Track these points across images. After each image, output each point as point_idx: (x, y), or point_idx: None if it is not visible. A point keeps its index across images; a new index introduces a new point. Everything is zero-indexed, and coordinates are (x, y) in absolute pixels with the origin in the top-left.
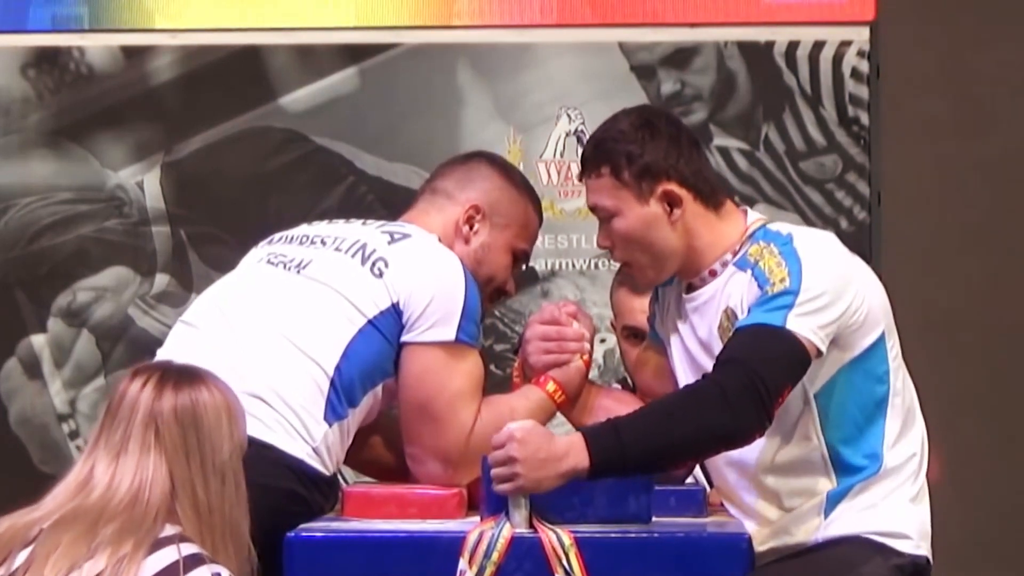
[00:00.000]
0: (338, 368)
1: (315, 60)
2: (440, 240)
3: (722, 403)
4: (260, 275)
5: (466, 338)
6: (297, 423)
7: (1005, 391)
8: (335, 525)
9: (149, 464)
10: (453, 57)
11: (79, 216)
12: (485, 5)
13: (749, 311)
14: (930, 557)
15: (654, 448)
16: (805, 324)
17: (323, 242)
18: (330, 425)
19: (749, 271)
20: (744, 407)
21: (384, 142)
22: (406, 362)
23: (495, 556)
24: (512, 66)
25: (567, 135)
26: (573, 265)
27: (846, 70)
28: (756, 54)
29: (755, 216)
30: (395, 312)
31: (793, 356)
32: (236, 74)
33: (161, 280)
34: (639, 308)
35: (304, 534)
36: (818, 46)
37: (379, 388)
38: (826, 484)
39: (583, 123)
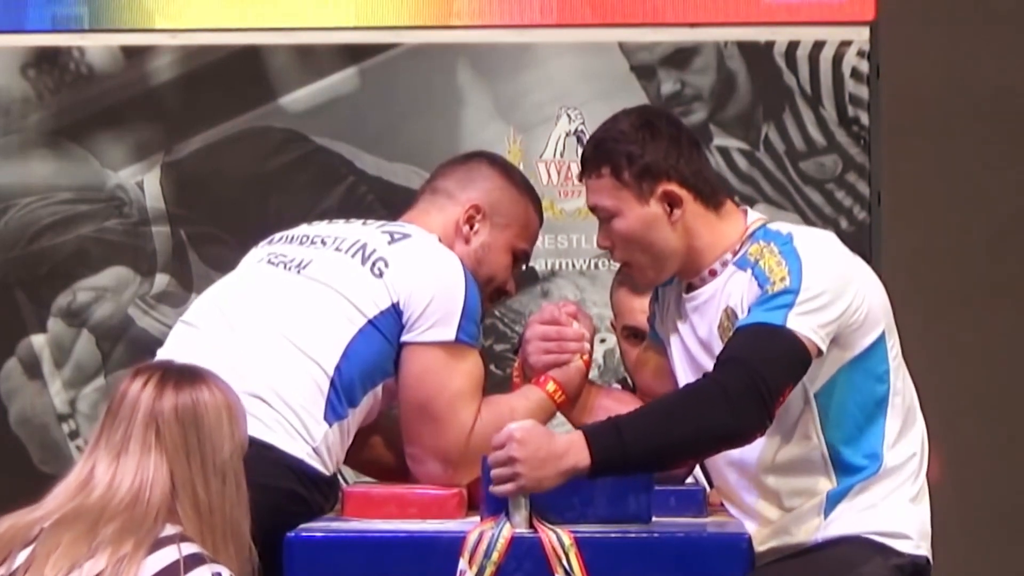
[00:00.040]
0: (338, 368)
1: (315, 60)
2: (440, 240)
3: (723, 402)
4: (260, 275)
5: (466, 338)
6: (297, 423)
7: (1005, 391)
8: (335, 525)
9: (150, 464)
10: (453, 57)
11: (79, 216)
12: (485, 5)
13: (749, 310)
14: (930, 557)
15: (655, 447)
16: (805, 323)
17: (323, 242)
18: (330, 425)
19: (749, 270)
20: (745, 406)
21: (384, 142)
22: (406, 362)
23: (495, 556)
24: (512, 66)
25: (567, 135)
26: (573, 265)
27: (846, 70)
28: (756, 54)
29: (755, 216)
30: (395, 312)
31: (794, 355)
32: (236, 74)
33: (161, 280)
34: (639, 308)
35: (304, 534)
36: (818, 46)
37: (379, 388)
38: (826, 484)
39: (583, 123)
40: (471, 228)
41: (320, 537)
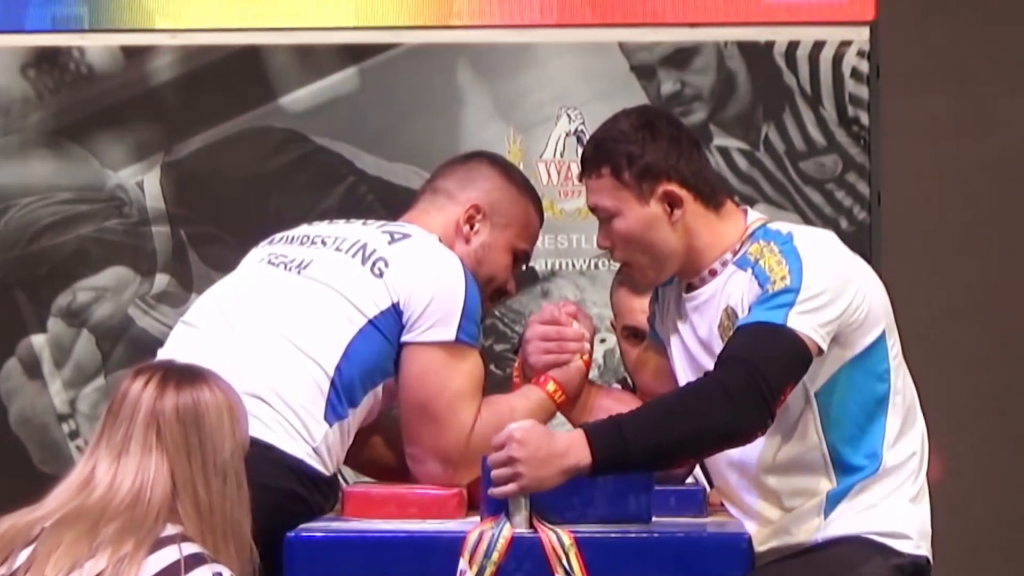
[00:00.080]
0: (338, 368)
1: (315, 60)
2: (440, 240)
3: (724, 401)
4: (261, 275)
5: (466, 338)
6: (297, 423)
7: (1005, 391)
8: (335, 525)
9: (151, 464)
10: (453, 57)
11: (79, 216)
12: (485, 5)
13: (750, 309)
14: (930, 557)
15: (656, 445)
16: (806, 322)
17: (323, 242)
18: (330, 425)
19: (749, 270)
20: (746, 405)
21: (384, 142)
22: (406, 362)
23: (495, 556)
24: (512, 66)
25: (567, 135)
26: (573, 265)
27: (846, 70)
28: (756, 54)
29: (755, 216)
30: (395, 312)
31: (794, 354)
32: (236, 74)
33: (161, 280)
34: (639, 308)
35: (304, 534)
36: (818, 46)
37: (379, 388)
38: (826, 484)
39: (583, 123)
40: (471, 228)
41: (320, 537)
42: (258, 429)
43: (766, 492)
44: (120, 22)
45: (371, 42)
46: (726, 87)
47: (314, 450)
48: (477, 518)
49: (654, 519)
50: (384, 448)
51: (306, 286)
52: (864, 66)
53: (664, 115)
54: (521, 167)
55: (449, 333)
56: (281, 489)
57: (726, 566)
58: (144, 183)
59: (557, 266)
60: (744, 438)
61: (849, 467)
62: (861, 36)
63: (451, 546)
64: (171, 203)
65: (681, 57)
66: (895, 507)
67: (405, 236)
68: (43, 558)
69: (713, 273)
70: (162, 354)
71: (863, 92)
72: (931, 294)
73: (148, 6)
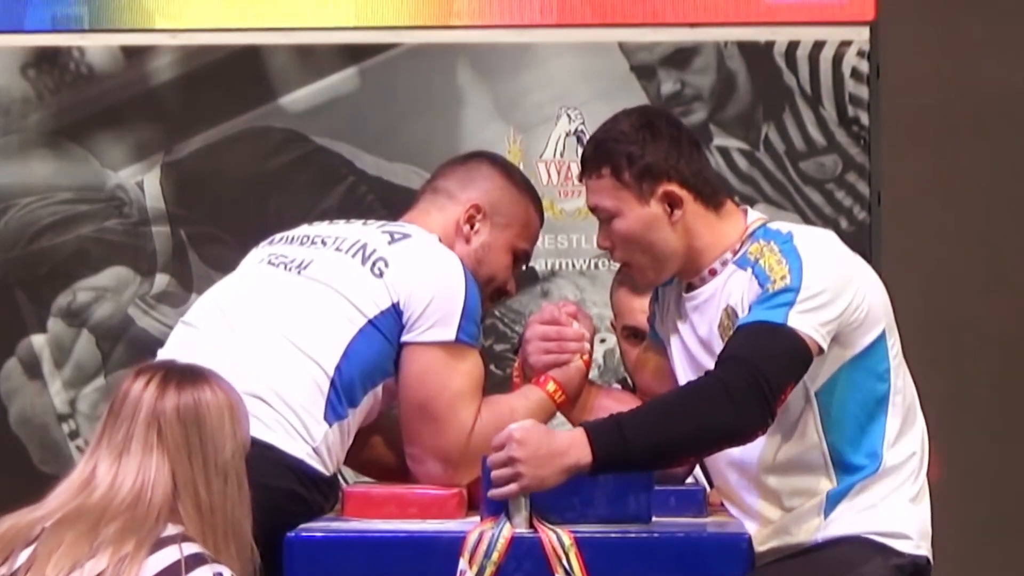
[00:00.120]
0: (338, 368)
1: (315, 60)
2: (441, 240)
3: (725, 400)
4: (261, 276)
5: (466, 338)
6: (297, 423)
7: (1005, 391)
8: (335, 525)
9: (151, 464)
10: (453, 57)
11: (79, 216)
12: (485, 5)
13: (750, 309)
14: (930, 557)
15: (656, 444)
16: (806, 321)
17: (323, 242)
18: (330, 425)
19: (749, 269)
20: (747, 404)
21: (384, 142)
22: (406, 362)
23: (495, 556)
24: (512, 66)
25: (567, 135)
26: (573, 265)
27: (846, 70)
28: (756, 54)
29: (755, 215)
30: (395, 312)
31: (795, 353)
32: (236, 74)
33: (161, 280)
34: (639, 308)
35: (304, 534)
36: (818, 46)
37: (379, 388)
38: (826, 484)
39: (583, 123)
40: (471, 228)
41: (320, 537)
42: (258, 429)
43: (766, 492)
44: (120, 22)
45: (371, 42)
46: (726, 87)
47: (314, 450)
48: (477, 518)
49: (654, 519)
50: (384, 448)
51: (306, 286)
52: (864, 66)
53: (664, 115)
54: (521, 167)
55: (449, 333)
56: (281, 489)
57: (726, 566)
58: (144, 183)
59: (557, 266)
60: (745, 437)
61: (849, 467)
62: (861, 36)
63: (451, 546)
64: (171, 203)
65: (681, 57)
66: (895, 507)
67: (405, 236)
68: (44, 558)
69: (713, 273)
70: (162, 354)
71: (863, 92)
72: (931, 294)
73: (148, 6)
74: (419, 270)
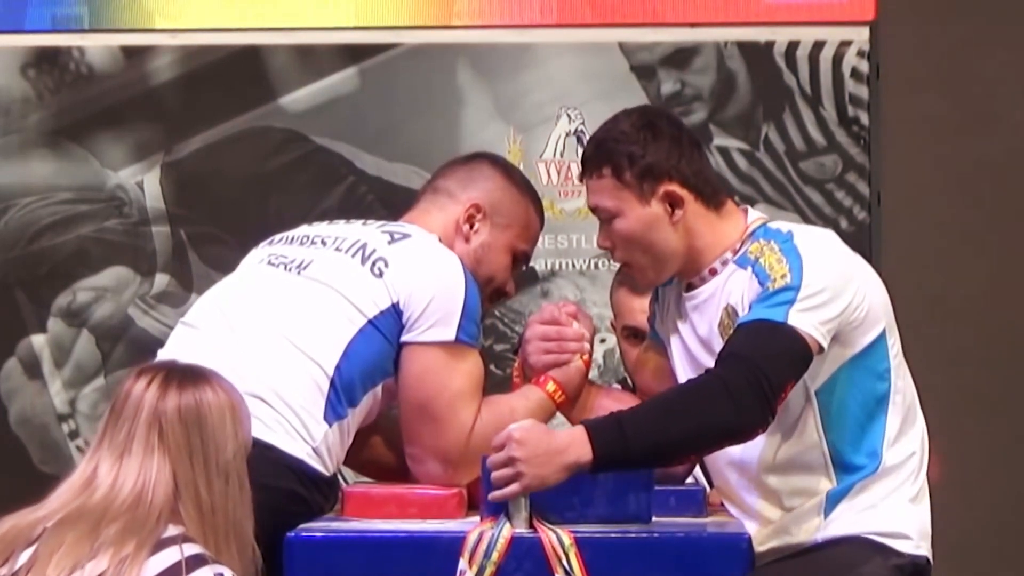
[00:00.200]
0: (338, 368)
1: (315, 60)
2: (440, 239)
3: (725, 398)
4: (261, 276)
5: (466, 338)
6: (297, 423)
7: (1005, 391)
8: (335, 525)
9: (153, 464)
10: (453, 57)
11: (79, 216)
12: (485, 5)
13: (750, 308)
14: (930, 557)
15: (656, 442)
16: (807, 320)
17: (323, 242)
18: (330, 425)
19: (749, 268)
20: (747, 402)
21: (384, 142)
22: (406, 362)
23: (495, 556)
24: (512, 66)
25: (567, 135)
26: (573, 265)
27: (846, 70)
28: (756, 54)
29: (755, 215)
30: (395, 312)
31: (795, 352)
32: (236, 74)
33: (161, 280)
34: (639, 308)
35: (304, 534)
36: (818, 46)
37: (379, 388)
38: (826, 484)
39: (583, 123)
40: (471, 227)
41: (320, 537)
42: (258, 429)
43: (766, 492)
44: (120, 22)
45: (371, 42)
46: (726, 87)
47: (314, 450)
48: (477, 518)
49: (654, 519)
50: (384, 448)
51: (306, 286)
52: (864, 66)
53: (665, 115)
54: (521, 167)
55: (449, 333)
56: (281, 489)
57: (726, 566)
58: (144, 183)
59: (557, 266)
60: (745, 435)
61: (849, 466)
62: (861, 36)
63: (451, 546)
64: (171, 203)
65: (681, 57)
66: (895, 507)
67: (405, 236)
68: (45, 558)
69: (713, 272)
70: (162, 355)
71: (863, 92)
72: (931, 294)
73: (148, 6)
74: (419, 270)
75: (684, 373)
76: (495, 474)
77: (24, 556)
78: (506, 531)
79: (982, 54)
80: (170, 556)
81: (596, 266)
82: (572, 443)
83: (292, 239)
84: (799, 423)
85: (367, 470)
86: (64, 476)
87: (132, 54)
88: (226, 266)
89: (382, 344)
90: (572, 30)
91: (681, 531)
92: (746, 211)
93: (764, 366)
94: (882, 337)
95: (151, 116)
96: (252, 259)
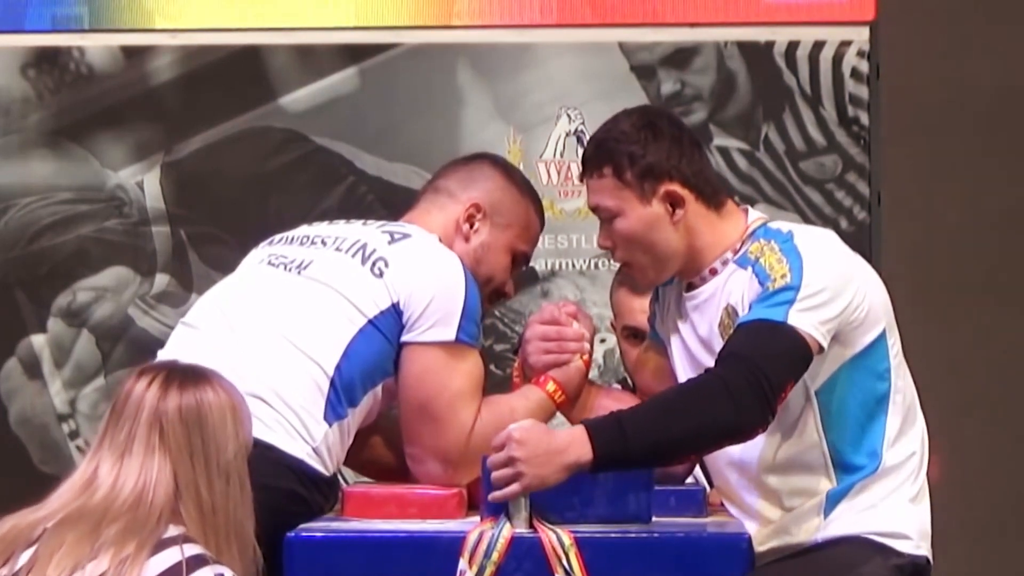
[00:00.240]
0: (338, 368)
1: (315, 60)
2: (440, 239)
3: (725, 397)
4: (261, 276)
5: (466, 338)
6: (297, 423)
7: (1005, 391)
8: (335, 525)
9: (153, 465)
10: (453, 57)
11: (79, 216)
12: (485, 5)
13: (750, 307)
14: (930, 557)
15: (656, 441)
16: (807, 319)
17: (323, 242)
18: (330, 425)
19: (750, 268)
20: (747, 401)
21: (384, 142)
22: (406, 362)
23: (495, 556)
24: (512, 66)
25: (567, 135)
26: (573, 265)
27: (846, 70)
28: (756, 54)
29: (756, 215)
30: (395, 312)
31: (795, 351)
32: (236, 74)
33: (161, 280)
34: (639, 308)
35: (304, 534)
36: (818, 46)
37: (379, 388)
38: (826, 484)
39: (583, 123)
40: (471, 227)
41: (320, 537)
42: (258, 429)
43: (766, 492)
44: (120, 22)
45: (371, 42)
46: (726, 87)
47: (314, 450)
48: (477, 518)
49: (654, 519)
50: (384, 448)
51: (306, 286)
52: (864, 66)
53: (665, 115)
54: (521, 167)
55: (449, 333)
56: (281, 489)
57: (726, 566)
58: (144, 183)
59: (557, 266)
60: (745, 435)
61: (849, 466)
62: (861, 36)
63: (451, 546)
64: (171, 203)
65: (681, 57)
66: (895, 507)
67: (405, 236)
68: (45, 559)
69: (714, 272)
70: (162, 355)
71: (863, 92)
72: (931, 294)
73: (148, 6)
74: (419, 270)
75: (684, 373)
76: (495, 474)
77: (24, 556)
78: (506, 531)
79: (982, 54)
80: (171, 556)
81: (596, 266)
82: (572, 443)
83: (292, 239)
84: (799, 423)
85: (367, 470)
86: (64, 476)
87: (132, 54)
88: (226, 266)
89: (382, 344)
90: (572, 30)
91: (681, 531)
92: (746, 211)
93: (764, 366)
94: (882, 337)
95: (151, 116)
96: (252, 259)
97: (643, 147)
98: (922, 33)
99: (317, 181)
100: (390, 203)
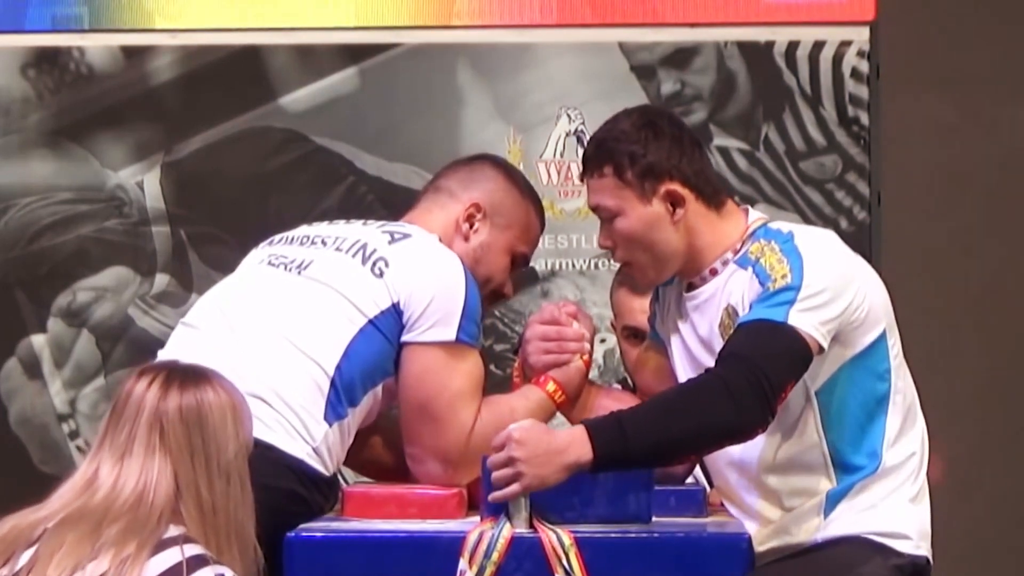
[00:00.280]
0: (338, 368)
1: (315, 60)
2: (440, 238)
3: (725, 397)
4: (261, 276)
5: (466, 338)
6: (297, 423)
7: (1005, 391)
8: (335, 525)
9: (154, 465)
10: (453, 57)
11: (79, 216)
12: (485, 5)
13: (751, 307)
14: (930, 557)
15: (657, 441)
16: (807, 320)
17: (323, 242)
18: (330, 425)
19: (750, 268)
20: (747, 402)
21: (384, 142)
22: (406, 362)
23: (495, 556)
24: (512, 66)
25: (567, 135)
26: (573, 265)
27: (846, 70)
28: (756, 54)
29: (756, 215)
30: (395, 312)
31: (795, 352)
32: (236, 74)
33: (161, 280)
34: (639, 308)
35: (304, 534)
36: (818, 46)
37: (379, 388)
38: (826, 484)
39: (583, 123)
40: (471, 226)
41: (320, 537)
42: (258, 429)
43: (766, 492)
44: (120, 22)
45: (371, 42)
46: (726, 87)
47: (314, 450)
48: (477, 518)
49: (654, 519)
50: (384, 448)
51: (306, 286)
52: (864, 66)
53: (666, 115)
54: (521, 167)
55: (449, 333)
56: (281, 489)
57: (726, 566)
58: (144, 183)
59: (557, 266)
60: (745, 435)
61: (849, 466)
62: (861, 36)
63: (451, 546)
64: (171, 203)
65: (681, 57)
66: (895, 507)
67: (405, 236)
68: (45, 559)
69: (714, 272)
70: (162, 355)
71: (863, 92)
72: (931, 294)
73: (148, 6)
74: (419, 270)
75: (684, 373)
76: (495, 474)
77: (25, 556)
78: (506, 531)
79: (982, 54)
80: (171, 557)
81: (596, 266)
82: (572, 443)
83: (292, 239)
84: (799, 423)
85: (367, 470)
86: (65, 476)
87: (132, 54)
88: (226, 266)
89: (382, 344)
90: (572, 30)
91: (681, 531)
92: (746, 211)
93: (764, 366)
94: (882, 337)
95: (151, 116)
96: (252, 259)
97: (643, 146)
98: (922, 33)
99: (317, 181)
100: (390, 203)
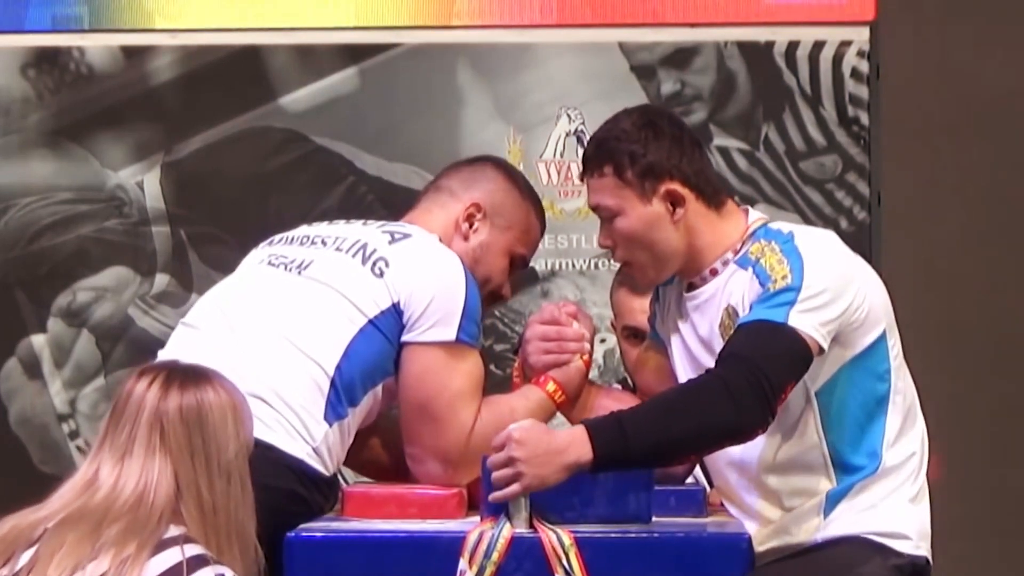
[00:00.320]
0: (339, 368)
1: (315, 60)
2: (440, 238)
3: (726, 398)
4: (261, 276)
5: (466, 338)
6: (297, 423)
7: (1005, 391)
8: (335, 525)
9: (154, 465)
10: (453, 57)
11: (79, 216)
12: (485, 5)
13: (751, 308)
14: (930, 557)
15: (657, 441)
16: (807, 321)
17: (323, 242)
18: (330, 425)
19: (750, 269)
20: (748, 402)
21: (384, 142)
22: (406, 362)
23: (495, 556)
24: (512, 66)
25: (567, 135)
26: (573, 265)
27: (846, 70)
28: (756, 54)
29: (756, 215)
30: (396, 312)
31: (795, 352)
32: (236, 74)
33: (161, 280)
34: (639, 308)
35: (304, 534)
36: (818, 46)
37: (379, 388)
38: (826, 484)
39: (583, 123)
40: (471, 226)
41: (320, 537)
42: (258, 429)
43: (766, 492)
44: (120, 22)
45: (371, 42)
46: (726, 87)
47: (314, 450)
48: (477, 518)
49: (654, 519)
50: (383, 448)
51: (306, 286)
52: (864, 66)
53: (666, 114)
54: (521, 167)
55: (449, 333)
56: (281, 489)
57: (726, 566)
58: (144, 183)
59: (557, 266)
60: (745, 435)
61: (849, 467)
62: (861, 36)
63: (451, 546)
64: (171, 203)
65: (681, 57)
66: (895, 507)
67: (405, 236)
68: (46, 559)
69: (714, 272)
70: (163, 355)
71: (863, 92)
72: (931, 294)
73: (148, 6)
74: (420, 270)
75: (684, 373)
76: (495, 474)
77: (25, 557)
78: (506, 531)
79: (982, 54)
80: (171, 557)
81: (596, 266)
82: (572, 443)
83: (292, 239)
84: (799, 423)
85: (367, 470)
86: (65, 476)
87: (132, 54)
88: (226, 266)
89: (383, 344)
90: (572, 30)
91: (681, 531)
92: (747, 211)
93: (764, 366)
94: (882, 338)
95: (151, 116)
96: (252, 259)
97: (644, 146)
98: (922, 33)
99: (317, 181)
100: (390, 203)
